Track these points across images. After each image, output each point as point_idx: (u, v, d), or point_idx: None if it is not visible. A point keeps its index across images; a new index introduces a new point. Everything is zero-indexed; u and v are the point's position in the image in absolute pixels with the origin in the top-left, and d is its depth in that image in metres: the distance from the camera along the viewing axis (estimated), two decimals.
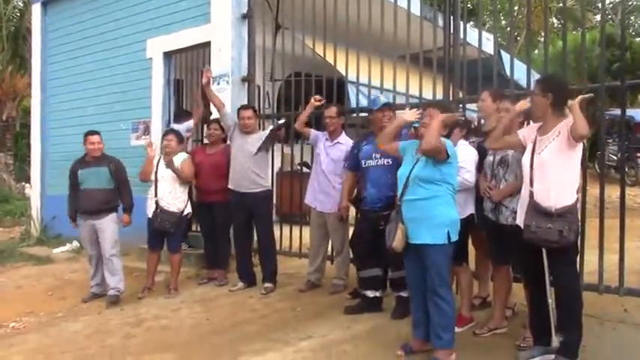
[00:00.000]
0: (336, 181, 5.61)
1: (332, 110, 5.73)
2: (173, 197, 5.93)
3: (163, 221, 5.88)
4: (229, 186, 5.93)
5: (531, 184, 3.60)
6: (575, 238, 3.51)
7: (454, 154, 3.79)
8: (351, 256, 5.65)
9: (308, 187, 5.89)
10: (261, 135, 5.97)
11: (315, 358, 3.97)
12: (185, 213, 6.03)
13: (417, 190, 3.73)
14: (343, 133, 5.78)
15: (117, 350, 4.41)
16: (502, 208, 4.05)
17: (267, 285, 5.80)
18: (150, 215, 5.95)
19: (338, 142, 5.67)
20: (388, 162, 4.68)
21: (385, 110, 4.88)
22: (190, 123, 7.32)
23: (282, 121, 6.01)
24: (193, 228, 7.15)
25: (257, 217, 5.87)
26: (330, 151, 5.68)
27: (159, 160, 6.03)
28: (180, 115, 7.67)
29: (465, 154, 4.19)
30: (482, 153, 4.32)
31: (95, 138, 6.03)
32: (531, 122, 4.07)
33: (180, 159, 6.02)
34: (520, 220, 3.67)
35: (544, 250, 3.55)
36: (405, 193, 3.79)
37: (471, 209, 4.35)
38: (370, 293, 4.89)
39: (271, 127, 6.00)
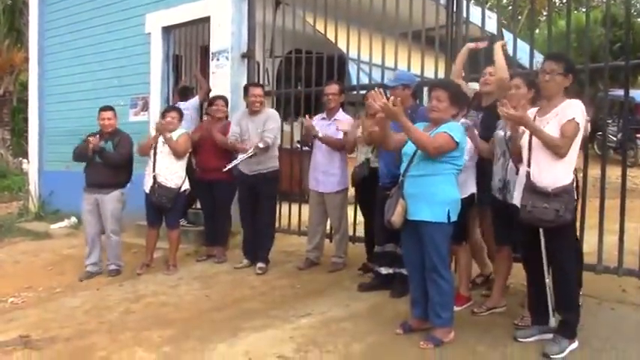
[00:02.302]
0: (335, 159, 5.62)
1: (334, 87, 5.70)
2: (170, 172, 5.90)
3: (160, 196, 5.86)
4: (240, 168, 5.85)
5: (528, 165, 3.59)
6: (572, 218, 3.50)
7: (463, 139, 3.75)
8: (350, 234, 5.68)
9: (310, 169, 5.87)
10: (266, 116, 5.83)
11: (315, 336, 3.98)
12: (183, 189, 6.00)
13: (421, 167, 3.71)
14: (340, 110, 5.76)
15: (116, 326, 4.41)
16: (510, 187, 4.02)
17: (262, 265, 5.77)
18: (147, 190, 5.93)
19: (336, 119, 5.66)
20: None
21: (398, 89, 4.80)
22: (196, 100, 7.26)
23: (251, 152, 5.64)
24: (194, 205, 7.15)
25: (262, 196, 5.81)
26: (329, 129, 5.65)
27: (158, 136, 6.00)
28: (185, 93, 7.61)
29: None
30: (487, 127, 4.29)
31: (107, 114, 6.05)
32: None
33: (177, 134, 5.99)
34: (517, 200, 3.66)
35: (541, 230, 3.55)
36: (409, 169, 3.77)
37: (472, 189, 4.33)
38: (384, 270, 4.89)
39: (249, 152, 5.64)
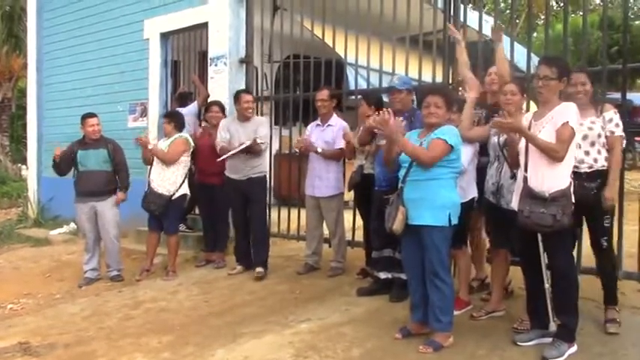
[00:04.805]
0: (331, 164, 5.65)
1: (324, 93, 5.72)
2: (163, 179, 5.90)
3: (149, 203, 5.88)
4: (226, 173, 5.88)
5: (525, 169, 3.60)
6: (569, 222, 3.49)
7: (457, 141, 3.75)
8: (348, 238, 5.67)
9: (307, 175, 5.88)
10: (258, 122, 5.86)
11: (314, 341, 3.98)
12: (177, 196, 5.95)
13: (420, 172, 3.72)
14: (334, 114, 5.79)
15: (115, 332, 4.41)
16: (504, 191, 4.04)
17: (260, 270, 5.76)
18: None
19: (329, 125, 5.69)
20: None
21: (394, 93, 4.83)
22: (195, 106, 7.27)
23: (247, 143, 5.65)
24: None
25: (251, 202, 5.81)
26: (323, 135, 5.70)
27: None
28: (183, 99, 7.63)
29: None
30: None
31: (94, 120, 6.03)
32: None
33: (170, 140, 6.00)
34: (515, 205, 3.67)
35: (539, 235, 3.56)
36: (409, 174, 3.78)
37: (473, 192, 4.34)
38: (383, 275, 4.89)
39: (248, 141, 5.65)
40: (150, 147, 5.87)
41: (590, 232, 4.04)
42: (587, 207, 3.84)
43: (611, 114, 3.96)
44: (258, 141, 5.65)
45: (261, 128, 5.79)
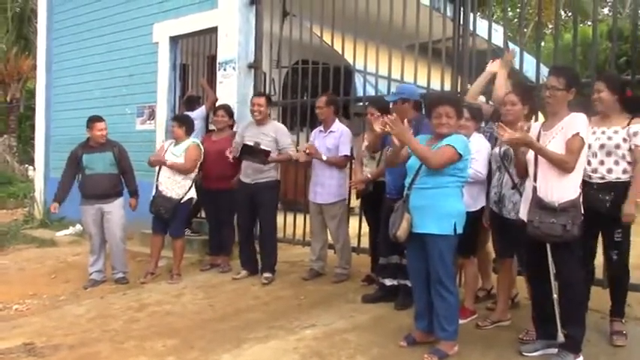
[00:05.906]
0: (334, 171, 5.65)
1: (321, 100, 5.74)
2: (172, 182, 5.91)
3: (158, 207, 5.88)
4: (240, 177, 5.87)
5: (535, 180, 3.59)
6: (579, 232, 3.47)
7: (466, 151, 3.73)
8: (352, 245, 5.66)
9: (310, 180, 5.89)
10: (276, 128, 5.87)
11: (318, 347, 3.97)
12: (185, 200, 5.96)
13: (427, 180, 3.71)
14: (336, 121, 5.79)
15: (120, 334, 4.41)
16: (505, 201, 4.03)
17: (268, 275, 5.77)
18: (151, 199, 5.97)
19: (331, 131, 5.69)
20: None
21: (392, 104, 4.83)
22: (203, 110, 7.29)
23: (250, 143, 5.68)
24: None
25: (260, 206, 5.81)
26: (325, 141, 5.71)
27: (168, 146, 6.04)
28: (192, 102, 7.65)
29: (477, 145, 4.16)
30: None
31: (102, 124, 6.04)
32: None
33: (185, 145, 6.01)
34: (524, 215, 3.65)
35: (548, 245, 3.54)
36: (415, 182, 3.77)
37: (482, 202, 4.34)
38: (388, 282, 4.88)
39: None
40: (168, 163, 5.89)
41: (603, 244, 4.02)
42: (599, 219, 3.83)
43: (638, 127, 3.85)
44: (290, 150, 5.79)
45: (285, 138, 5.82)
